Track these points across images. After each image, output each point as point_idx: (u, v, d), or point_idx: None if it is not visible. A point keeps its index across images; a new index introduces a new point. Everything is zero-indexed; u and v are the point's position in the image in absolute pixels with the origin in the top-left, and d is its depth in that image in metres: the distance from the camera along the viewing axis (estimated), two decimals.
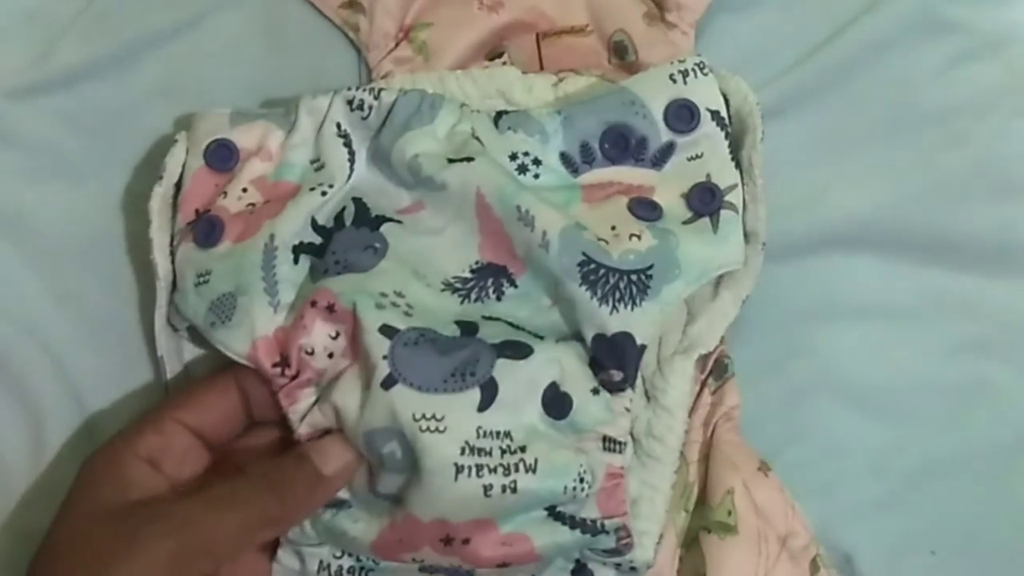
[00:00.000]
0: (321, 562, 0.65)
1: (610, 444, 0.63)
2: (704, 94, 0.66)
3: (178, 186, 0.67)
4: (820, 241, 0.72)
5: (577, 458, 0.61)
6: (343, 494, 0.63)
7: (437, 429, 0.60)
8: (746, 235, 0.66)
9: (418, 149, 0.65)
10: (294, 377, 0.63)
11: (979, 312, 0.71)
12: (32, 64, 0.73)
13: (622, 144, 0.66)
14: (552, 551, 0.62)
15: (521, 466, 0.60)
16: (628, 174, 0.67)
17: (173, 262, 0.66)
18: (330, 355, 0.63)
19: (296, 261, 0.65)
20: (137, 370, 0.71)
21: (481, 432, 0.60)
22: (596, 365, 0.63)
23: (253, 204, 0.66)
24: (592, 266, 0.62)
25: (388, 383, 0.61)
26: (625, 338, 0.62)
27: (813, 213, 0.72)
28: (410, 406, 0.60)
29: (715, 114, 0.66)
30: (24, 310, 0.71)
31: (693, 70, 0.67)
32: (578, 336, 0.63)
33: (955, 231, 0.72)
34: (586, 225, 0.64)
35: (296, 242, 0.65)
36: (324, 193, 0.66)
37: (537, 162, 0.66)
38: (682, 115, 0.66)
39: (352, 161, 0.67)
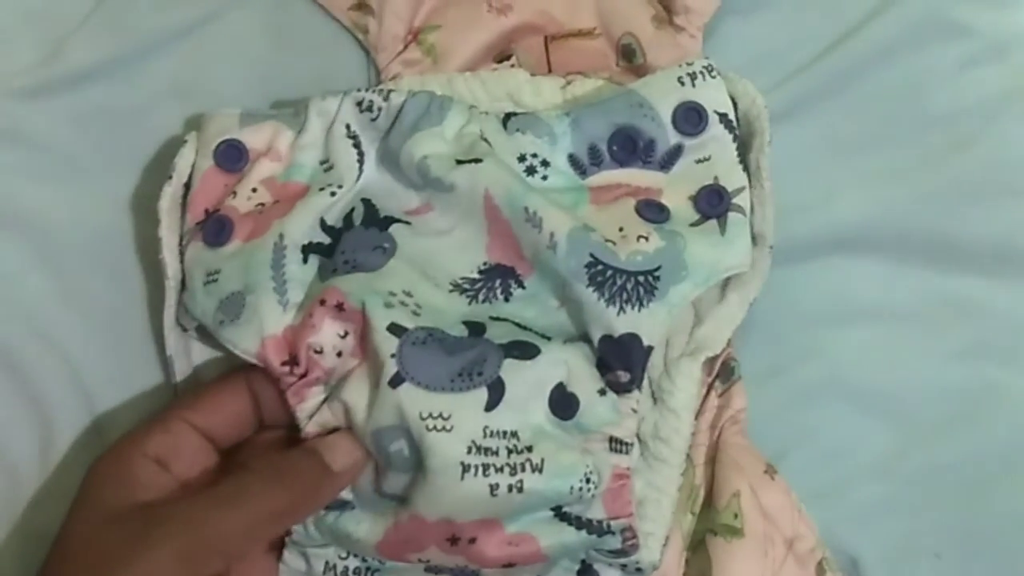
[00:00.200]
0: (327, 563, 0.65)
1: (616, 445, 0.63)
2: (712, 97, 0.67)
3: (187, 186, 0.67)
4: (827, 244, 0.72)
5: (583, 459, 0.62)
6: (346, 495, 0.63)
7: (444, 428, 0.60)
8: (753, 238, 0.66)
9: (427, 150, 0.65)
10: (302, 376, 0.63)
11: (985, 316, 0.71)
12: (41, 64, 0.74)
13: (630, 146, 0.67)
14: (558, 551, 0.62)
15: (527, 466, 0.61)
16: (636, 176, 0.67)
17: (182, 262, 0.66)
18: (339, 354, 0.64)
19: (305, 261, 0.65)
20: (145, 370, 0.71)
21: (488, 432, 0.61)
22: (603, 366, 0.63)
23: (262, 204, 0.67)
24: (599, 267, 0.63)
25: (396, 381, 0.61)
26: (632, 339, 0.63)
27: (820, 216, 0.72)
28: (417, 404, 0.61)
29: (723, 117, 0.67)
30: (32, 310, 0.71)
31: (701, 73, 0.67)
32: (585, 337, 0.64)
33: (961, 235, 0.72)
34: (594, 227, 0.64)
35: (305, 242, 0.65)
36: (333, 194, 0.66)
37: (545, 164, 0.67)
38: (690, 118, 0.66)
39: (361, 162, 0.67)
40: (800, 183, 0.72)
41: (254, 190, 0.67)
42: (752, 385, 0.70)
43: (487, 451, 0.61)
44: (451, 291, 0.65)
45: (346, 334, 0.64)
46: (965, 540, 0.70)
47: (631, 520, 0.63)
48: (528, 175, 0.67)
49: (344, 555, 0.65)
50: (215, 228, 0.66)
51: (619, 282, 0.63)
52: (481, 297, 0.65)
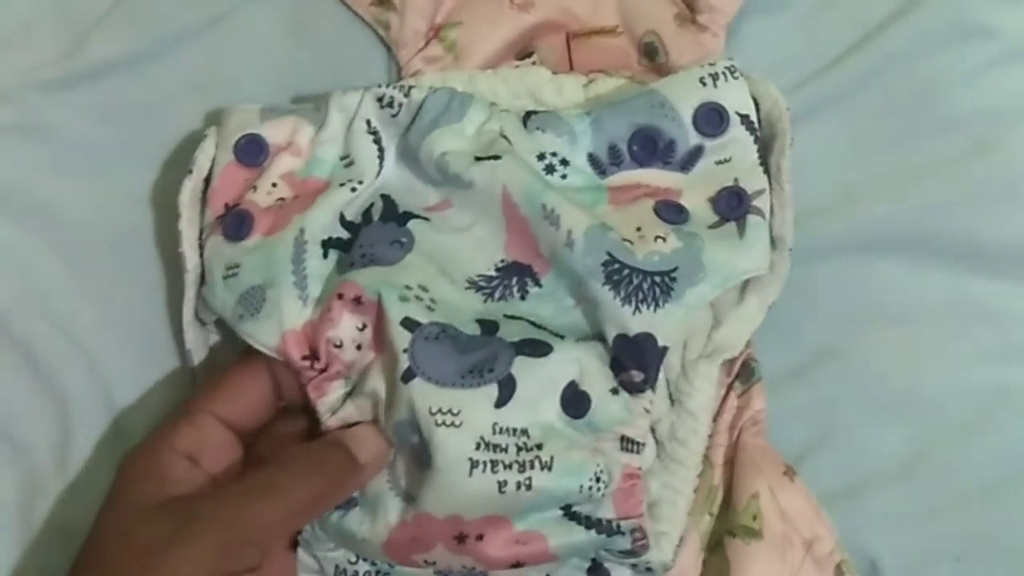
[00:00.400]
0: (337, 567, 0.66)
1: (628, 444, 0.63)
2: (734, 98, 0.67)
3: (207, 181, 0.68)
4: (848, 245, 0.72)
5: (594, 457, 0.62)
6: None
7: (452, 423, 0.61)
8: (773, 241, 0.66)
9: (446, 147, 0.66)
10: (323, 370, 0.64)
11: (1007, 318, 0.71)
12: (63, 58, 0.74)
13: (650, 146, 0.67)
14: (567, 551, 0.63)
15: (537, 463, 0.61)
16: (655, 176, 0.67)
17: (201, 256, 0.67)
18: (358, 347, 0.65)
19: (325, 256, 0.66)
20: (164, 363, 0.72)
21: (497, 428, 0.61)
22: (617, 366, 0.63)
23: (283, 199, 0.67)
24: (616, 266, 0.63)
25: (407, 376, 0.62)
26: (647, 339, 0.63)
27: (842, 217, 0.72)
28: (427, 400, 0.61)
29: (744, 118, 0.67)
30: (52, 303, 0.72)
31: (724, 73, 0.67)
32: (600, 337, 0.64)
33: (984, 237, 0.72)
34: (611, 226, 0.64)
35: (325, 237, 0.66)
36: (354, 189, 0.67)
37: (565, 163, 0.67)
38: (711, 119, 0.66)
39: (381, 158, 0.68)
40: (822, 183, 0.72)
41: (274, 185, 0.67)
42: (772, 386, 0.70)
43: (496, 448, 0.61)
44: (467, 288, 0.66)
45: (364, 327, 0.64)
46: (985, 543, 0.69)
47: (641, 520, 0.63)
48: (547, 174, 0.67)
49: (354, 559, 0.66)
50: (235, 222, 0.66)
51: (635, 281, 0.63)
52: (497, 295, 0.66)
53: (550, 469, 0.61)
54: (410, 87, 0.67)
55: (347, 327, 0.64)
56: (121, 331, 0.72)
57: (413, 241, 0.66)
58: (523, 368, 0.62)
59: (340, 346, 0.64)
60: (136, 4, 0.75)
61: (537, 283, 0.66)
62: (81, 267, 0.72)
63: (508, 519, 0.62)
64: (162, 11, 0.75)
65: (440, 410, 0.61)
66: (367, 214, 0.67)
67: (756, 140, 0.67)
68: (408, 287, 0.64)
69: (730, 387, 0.70)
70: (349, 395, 0.65)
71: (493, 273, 0.66)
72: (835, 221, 0.72)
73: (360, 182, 0.67)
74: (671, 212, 0.66)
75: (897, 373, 0.71)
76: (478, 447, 0.61)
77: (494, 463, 0.61)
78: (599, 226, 0.64)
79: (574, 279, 0.64)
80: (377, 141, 0.68)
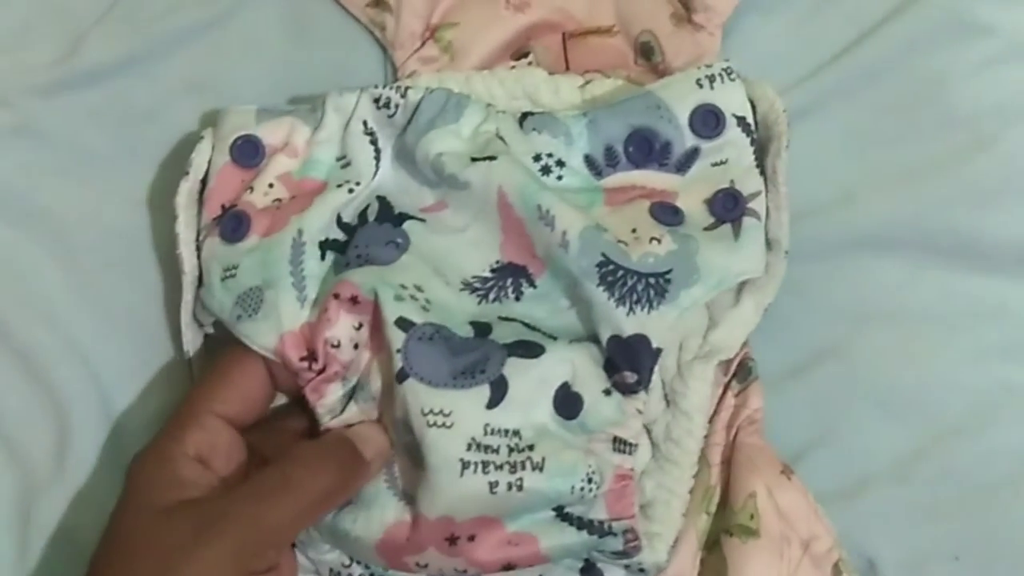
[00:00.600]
0: (331, 570, 0.66)
1: (620, 445, 0.64)
2: (730, 100, 0.67)
3: (204, 182, 0.68)
4: (847, 244, 0.72)
5: (586, 458, 0.62)
6: None
7: (444, 424, 0.61)
8: (769, 243, 0.67)
9: (442, 147, 0.66)
10: (321, 371, 0.65)
11: (1006, 316, 0.71)
12: (60, 61, 0.75)
13: (646, 148, 0.67)
14: (559, 552, 0.63)
15: (528, 464, 0.62)
16: (651, 178, 0.67)
17: (199, 257, 0.67)
18: (355, 346, 0.65)
19: (323, 257, 0.66)
20: (162, 365, 0.72)
21: (489, 429, 0.62)
22: (611, 367, 0.64)
23: (279, 200, 0.67)
24: (611, 267, 0.63)
25: (401, 376, 0.62)
26: (640, 340, 0.63)
27: (840, 215, 0.72)
28: (419, 400, 0.62)
29: (741, 120, 0.67)
30: (49, 305, 0.72)
31: (720, 75, 0.67)
32: (595, 338, 0.64)
33: (983, 235, 0.72)
34: (607, 227, 0.64)
35: (322, 238, 0.66)
36: (351, 190, 0.67)
37: (561, 164, 0.67)
38: (708, 120, 0.67)
39: (378, 159, 0.68)
40: (820, 182, 0.72)
41: (271, 185, 0.68)
42: (769, 385, 0.70)
43: (487, 448, 0.62)
44: (462, 290, 0.66)
45: (360, 326, 0.65)
46: (984, 543, 0.70)
47: (633, 521, 0.64)
48: (543, 175, 0.67)
49: (348, 562, 0.66)
50: (232, 223, 0.67)
51: (630, 283, 0.63)
52: (492, 296, 0.66)
53: (541, 470, 0.62)
54: (407, 88, 0.68)
55: (344, 326, 0.65)
56: (118, 333, 0.72)
57: (409, 242, 0.67)
58: (515, 369, 0.63)
59: (338, 346, 0.65)
60: (132, 6, 0.75)
61: (532, 284, 0.66)
62: (78, 269, 0.73)
63: (500, 520, 0.62)
64: (158, 13, 0.75)
65: (432, 411, 0.62)
66: (363, 215, 0.68)
67: (752, 142, 0.67)
68: (403, 287, 0.65)
69: (727, 386, 0.70)
70: (349, 397, 0.65)
71: (488, 274, 0.67)
72: (833, 219, 0.73)
73: (357, 183, 0.67)
74: (667, 214, 0.66)
75: (895, 372, 0.71)
76: (469, 448, 0.61)
77: (485, 464, 0.61)
78: (594, 227, 0.64)
79: (569, 280, 0.65)
80: (374, 142, 0.68)
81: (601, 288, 0.63)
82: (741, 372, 0.70)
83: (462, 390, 0.62)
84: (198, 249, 0.68)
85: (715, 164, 0.67)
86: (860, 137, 0.74)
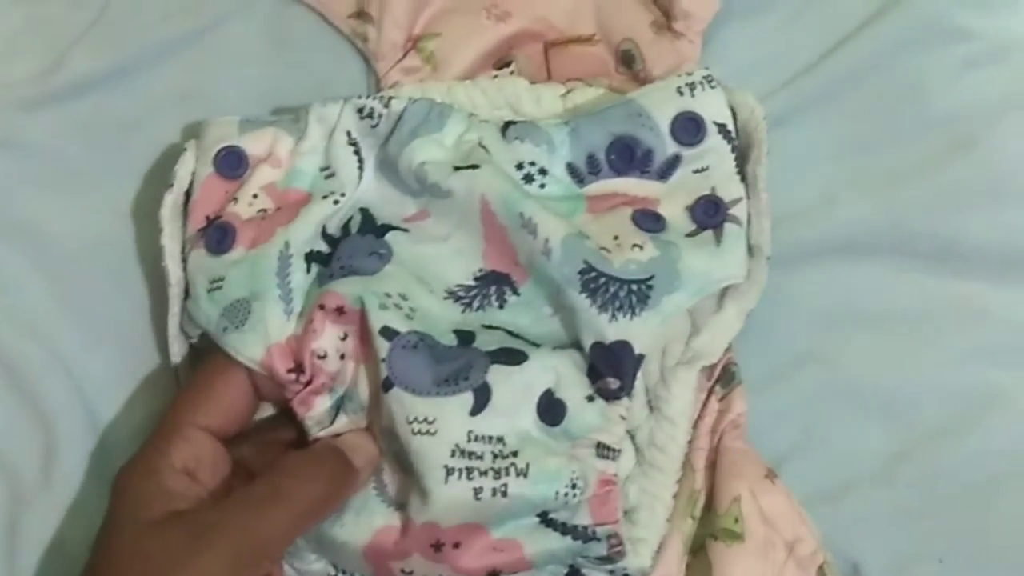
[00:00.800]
0: None
1: (604, 451, 0.64)
2: (711, 107, 0.68)
3: (188, 194, 0.68)
4: (828, 247, 0.73)
5: (569, 464, 0.63)
6: None
7: (428, 432, 0.62)
8: (750, 249, 0.67)
9: (425, 157, 0.66)
10: (308, 383, 0.65)
11: (987, 319, 0.72)
12: (44, 74, 0.75)
13: (628, 156, 0.68)
14: (543, 558, 0.63)
15: (512, 470, 0.62)
16: (633, 186, 0.68)
17: (184, 269, 0.67)
18: (341, 356, 0.65)
19: (308, 269, 0.66)
20: (148, 377, 0.72)
21: (472, 436, 0.62)
22: (594, 373, 0.64)
23: (264, 210, 0.68)
24: (593, 274, 0.64)
25: (387, 385, 0.63)
26: (623, 347, 0.64)
27: (821, 220, 0.73)
28: (404, 408, 0.62)
29: (722, 127, 0.67)
30: (34, 317, 0.72)
31: (701, 83, 0.68)
32: (578, 345, 0.65)
33: (963, 238, 0.72)
34: (589, 235, 0.65)
35: (307, 250, 0.66)
36: (336, 202, 0.67)
37: (543, 172, 0.68)
38: (688, 128, 0.67)
39: (362, 169, 0.69)
40: (801, 186, 0.73)
41: (255, 196, 0.68)
42: (753, 389, 0.70)
43: (471, 455, 0.62)
44: (445, 299, 0.67)
45: (345, 336, 0.65)
46: (968, 545, 0.70)
47: (617, 527, 0.64)
48: (526, 183, 0.67)
49: (334, 572, 0.66)
50: (217, 235, 0.67)
51: (612, 290, 0.64)
52: (476, 304, 0.67)
53: (526, 476, 0.62)
54: (390, 98, 0.68)
55: (330, 337, 0.65)
56: (103, 344, 0.73)
57: (391, 252, 0.67)
58: (498, 376, 0.63)
59: (324, 357, 0.65)
60: (116, 20, 0.76)
61: (515, 292, 0.67)
62: (63, 282, 0.73)
63: (485, 527, 0.63)
64: (141, 26, 0.76)
65: (416, 419, 0.62)
66: (346, 227, 0.68)
67: (733, 149, 0.68)
68: (388, 295, 0.65)
69: (711, 391, 0.70)
70: (337, 408, 0.66)
71: (471, 282, 0.67)
72: (815, 224, 0.73)
73: (342, 194, 0.68)
74: (648, 221, 0.66)
75: (878, 375, 0.72)
76: (453, 454, 0.62)
77: (470, 470, 0.62)
78: (576, 234, 0.64)
79: (551, 287, 0.65)
80: (357, 152, 0.69)
81: (584, 295, 0.64)
82: (724, 377, 0.71)
83: (445, 397, 0.63)
84: (184, 261, 0.68)
85: (696, 171, 0.68)
86: (840, 142, 0.74)
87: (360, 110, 0.68)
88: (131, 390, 0.72)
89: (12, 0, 0.77)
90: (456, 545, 0.62)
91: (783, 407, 0.72)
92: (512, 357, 0.64)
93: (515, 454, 0.62)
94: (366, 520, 0.64)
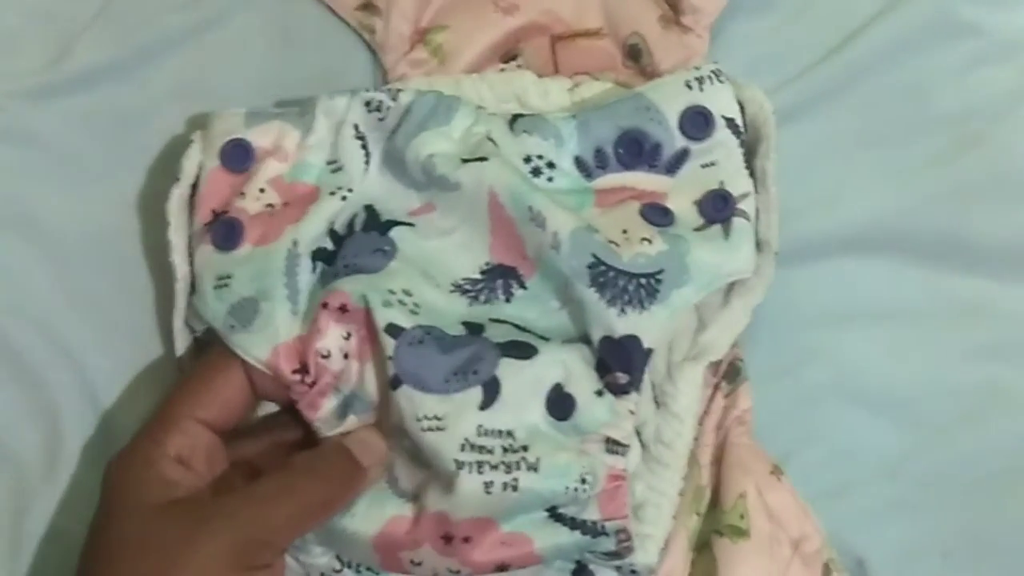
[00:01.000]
0: (322, 575, 0.67)
1: (613, 446, 0.64)
2: (719, 101, 0.68)
3: (194, 187, 0.68)
4: (834, 244, 0.73)
5: (579, 459, 0.63)
6: None
7: (438, 428, 0.62)
8: (758, 244, 0.67)
9: (433, 149, 0.66)
10: (313, 383, 0.65)
11: (992, 316, 0.72)
12: (48, 66, 0.75)
13: (636, 150, 0.68)
14: (552, 553, 0.64)
15: (523, 464, 0.62)
16: (641, 180, 0.68)
17: (191, 264, 0.67)
18: (345, 356, 0.65)
19: (314, 268, 0.66)
20: (152, 369, 0.72)
21: (482, 430, 0.62)
22: (603, 367, 0.64)
23: (271, 205, 0.67)
24: (602, 268, 0.64)
25: (395, 383, 0.63)
26: (632, 341, 0.64)
27: (827, 216, 0.73)
28: (413, 406, 0.63)
29: (730, 122, 0.67)
30: (39, 310, 0.72)
31: (709, 77, 0.68)
32: (586, 339, 0.65)
33: (969, 235, 0.73)
34: (597, 228, 0.65)
35: (314, 248, 0.66)
36: (344, 198, 0.67)
37: (551, 165, 0.68)
38: (697, 122, 0.67)
39: (368, 163, 0.68)
40: (807, 183, 0.73)
41: (262, 190, 0.68)
42: (758, 386, 0.71)
43: (482, 449, 0.62)
44: (452, 292, 0.67)
45: (349, 335, 0.65)
46: (972, 541, 0.70)
47: (626, 522, 0.64)
48: (534, 176, 0.67)
49: (338, 567, 0.67)
50: (225, 231, 0.67)
51: (621, 283, 0.64)
52: (482, 298, 0.67)
53: (536, 470, 0.62)
54: (398, 91, 0.68)
55: (334, 336, 0.65)
56: (109, 337, 0.72)
57: (396, 249, 0.67)
58: (508, 370, 0.63)
59: (328, 356, 0.65)
60: (121, 11, 0.76)
61: (522, 285, 0.67)
62: (68, 274, 0.73)
63: (495, 521, 0.63)
64: (147, 18, 0.76)
65: (426, 416, 0.62)
66: (350, 225, 0.68)
67: (741, 143, 0.68)
68: (391, 291, 0.65)
69: (716, 387, 0.71)
70: (344, 408, 0.66)
71: (478, 276, 0.67)
72: (819, 220, 0.73)
73: (350, 190, 0.68)
74: (657, 215, 0.67)
75: (884, 372, 0.72)
76: (463, 448, 0.62)
77: (480, 464, 0.62)
78: (585, 228, 0.65)
79: (560, 281, 0.65)
80: (364, 146, 0.68)
81: (592, 289, 0.64)
82: (730, 373, 0.71)
83: (455, 393, 0.63)
84: (190, 255, 0.68)
85: (704, 165, 0.68)
86: (848, 137, 0.74)
87: (368, 103, 0.68)
88: (136, 382, 0.72)
89: None
90: (466, 539, 0.63)
91: (788, 403, 0.72)
92: (523, 351, 0.64)
93: (525, 448, 0.63)
94: (377, 510, 0.64)
